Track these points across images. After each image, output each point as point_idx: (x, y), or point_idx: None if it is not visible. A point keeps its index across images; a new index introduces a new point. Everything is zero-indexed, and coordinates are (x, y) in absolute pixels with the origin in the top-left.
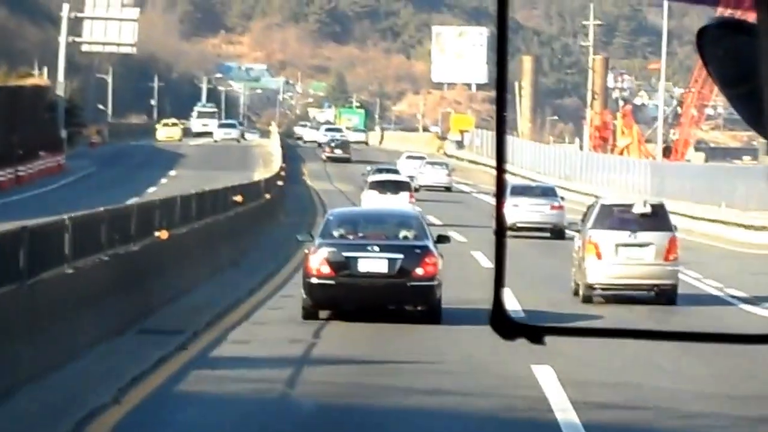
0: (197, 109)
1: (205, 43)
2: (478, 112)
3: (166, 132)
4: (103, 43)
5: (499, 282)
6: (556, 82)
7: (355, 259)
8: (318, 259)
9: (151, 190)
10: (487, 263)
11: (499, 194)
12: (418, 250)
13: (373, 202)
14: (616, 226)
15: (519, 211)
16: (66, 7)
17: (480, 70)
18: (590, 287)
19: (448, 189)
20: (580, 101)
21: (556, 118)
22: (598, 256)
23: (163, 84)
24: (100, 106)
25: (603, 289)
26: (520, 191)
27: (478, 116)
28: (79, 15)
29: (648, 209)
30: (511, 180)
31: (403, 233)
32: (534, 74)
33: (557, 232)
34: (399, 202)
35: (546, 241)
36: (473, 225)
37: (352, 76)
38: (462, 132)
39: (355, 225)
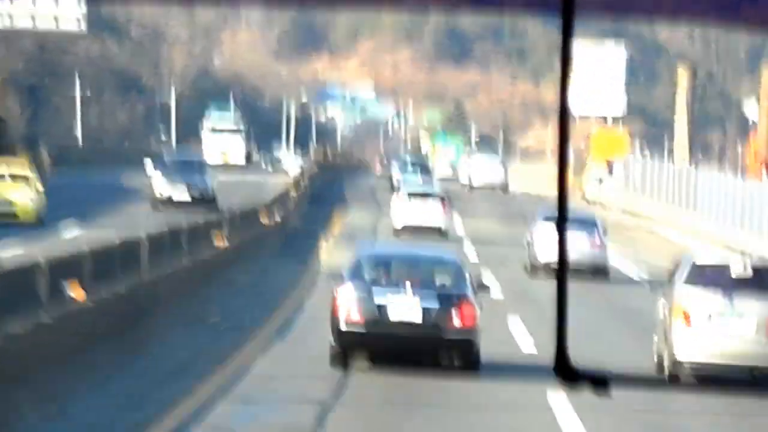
0: (208, 122)
1: (306, 66)
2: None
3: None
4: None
5: (561, 326)
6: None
7: (387, 306)
8: (346, 303)
9: None
10: (526, 340)
11: (561, 228)
12: (455, 299)
13: (404, 209)
14: (710, 287)
15: (552, 247)
16: None
17: (618, 100)
18: (678, 363)
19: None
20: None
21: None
22: (688, 323)
23: (244, 109)
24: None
25: (692, 367)
26: (552, 219)
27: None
28: None
29: (749, 272)
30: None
31: (439, 279)
32: (690, 89)
33: (600, 272)
34: (431, 212)
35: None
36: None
37: (472, 104)
38: (609, 162)
39: (388, 266)
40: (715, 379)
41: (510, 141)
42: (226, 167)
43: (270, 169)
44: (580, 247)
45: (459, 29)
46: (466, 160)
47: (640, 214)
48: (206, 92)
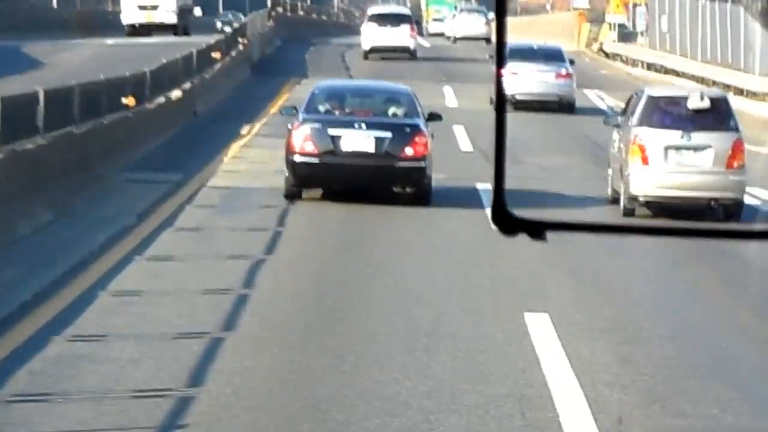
0: None
1: None
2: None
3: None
4: None
5: (499, 173)
6: None
7: (340, 137)
8: (301, 136)
9: None
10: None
11: (499, 58)
12: (407, 129)
13: (372, 34)
14: (667, 124)
15: (518, 80)
16: None
17: None
18: (633, 199)
19: (567, 104)
20: None
21: None
22: (644, 161)
23: None
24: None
25: (648, 201)
26: (520, 55)
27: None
28: None
29: (706, 103)
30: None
31: (392, 110)
32: None
33: (566, 106)
34: (400, 35)
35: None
36: None
37: None
38: (627, 7)
39: (342, 100)
40: (671, 211)
41: None
42: (145, 29)
43: (226, 30)
44: (545, 78)
45: None
46: (450, 17)
47: (671, 70)
48: None
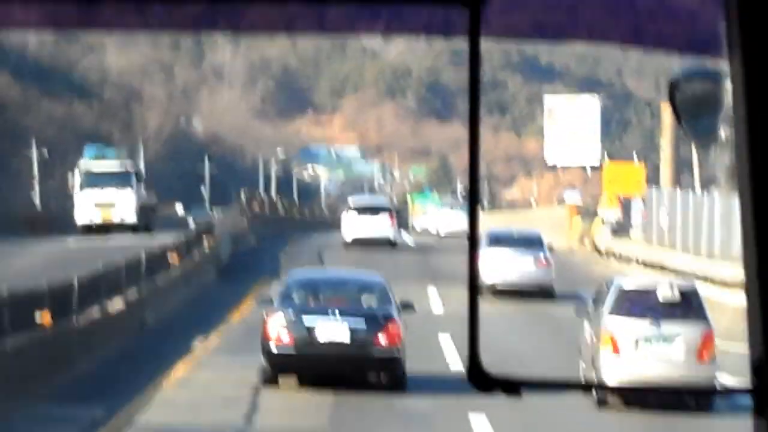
0: (84, 163)
1: (289, 125)
2: (595, 196)
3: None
4: None
5: (474, 334)
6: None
7: (315, 327)
8: (276, 326)
9: None
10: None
11: (473, 241)
12: (381, 319)
13: (353, 225)
14: (637, 313)
15: (497, 268)
16: None
17: (594, 150)
18: (605, 388)
19: (547, 291)
20: None
21: None
22: (615, 350)
23: (224, 170)
24: None
25: (620, 389)
26: (498, 241)
27: (593, 200)
28: None
29: (676, 295)
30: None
31: (365, 299)
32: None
33: (545, 293)
34: (379, 225)
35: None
36: None
37: (456, 158)
38: (621, 201)
39: (316, 289)
40: (643, 400)
41: (495, 193)
42: (103, 229)
43: (192, 226)
44: (524, 266)
45: (441, 85)
46: (436, 213)
47: (668, 267)
48: (182, 153)
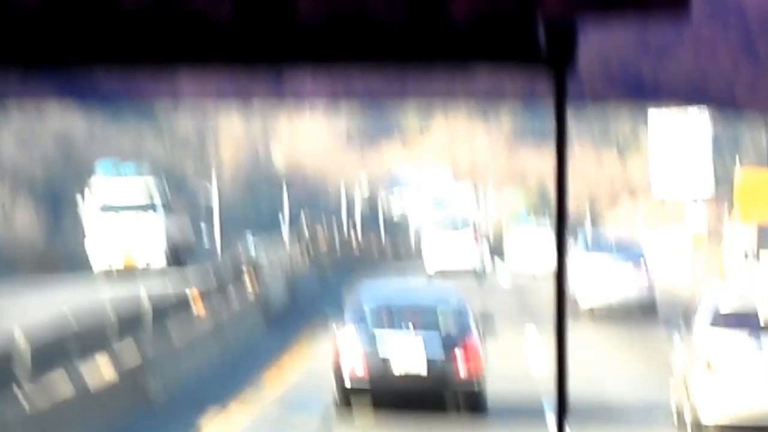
0: (97, 184)
1: (375, 152)
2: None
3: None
4: None
5: (562, 373)
6: None
7: (390, 360)
8: (350, 356)
9: None
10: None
11: (560, 267)
12: (460, 345)
13: (433, 240)
14: (737, 337)
15: (595, 286)
16: None
17: (705, 180)
18: (703, 428)
19: (649, 309)
20: None
21: None
22: (712, 376)
23: (304, 200)
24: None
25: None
26: (592, 246)
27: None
28: None
29: None
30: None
31: (443, 322)
32: None
33: (648, 310)
34: (463, 241)
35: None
36: None
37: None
38: (763, 227)
39: (391, 313)
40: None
41: (598, 218)
42: (124, 275)
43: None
44: (624, 282)
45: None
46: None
47: None
48: (259, 187)
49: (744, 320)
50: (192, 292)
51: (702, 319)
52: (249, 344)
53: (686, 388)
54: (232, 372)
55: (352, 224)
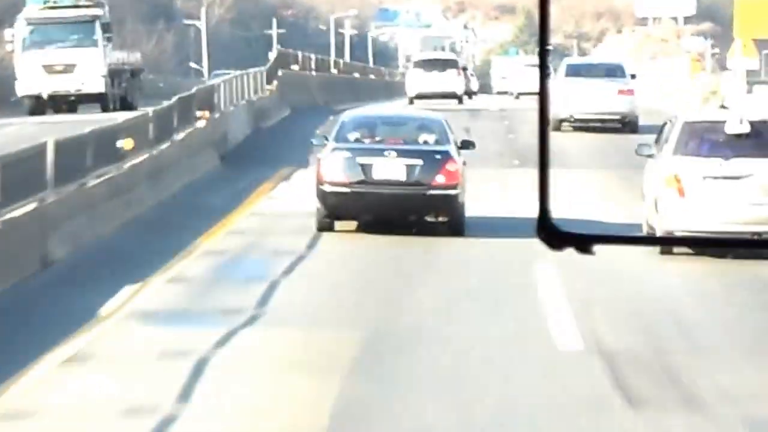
0: (28, 11)
1: None
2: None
3: None
4: None
5: (544, 187)
6: None
7: (371, 165)
8: (331, 166)
9: None
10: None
11: (543, 70)
12: (438, 156)
13: (418, 80)
14: (704, 152)
15: (575, 97)
16: None
17: None
18: (669, 235)
19: (630, 122)
20: None
21: None
22: (680, 192)
23: (290, 34)
24: (192, 64)
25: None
26: (578, 71)
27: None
28: None
29: (746, 128)
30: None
31: (423, 138)
32: None
33: (629, 124)
34: (447, 80)
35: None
36: None
37: None
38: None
39: (372, 128)
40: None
41: (584, 50)
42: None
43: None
44: (605, 95)
45: None
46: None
47: None
48: (249, 16)
49: (711, 133)
50: (119, 122)
51: (669, 137)
52: (204, 181)
53: (655, 206)
54: (171, 220)
55: (341, 62)
